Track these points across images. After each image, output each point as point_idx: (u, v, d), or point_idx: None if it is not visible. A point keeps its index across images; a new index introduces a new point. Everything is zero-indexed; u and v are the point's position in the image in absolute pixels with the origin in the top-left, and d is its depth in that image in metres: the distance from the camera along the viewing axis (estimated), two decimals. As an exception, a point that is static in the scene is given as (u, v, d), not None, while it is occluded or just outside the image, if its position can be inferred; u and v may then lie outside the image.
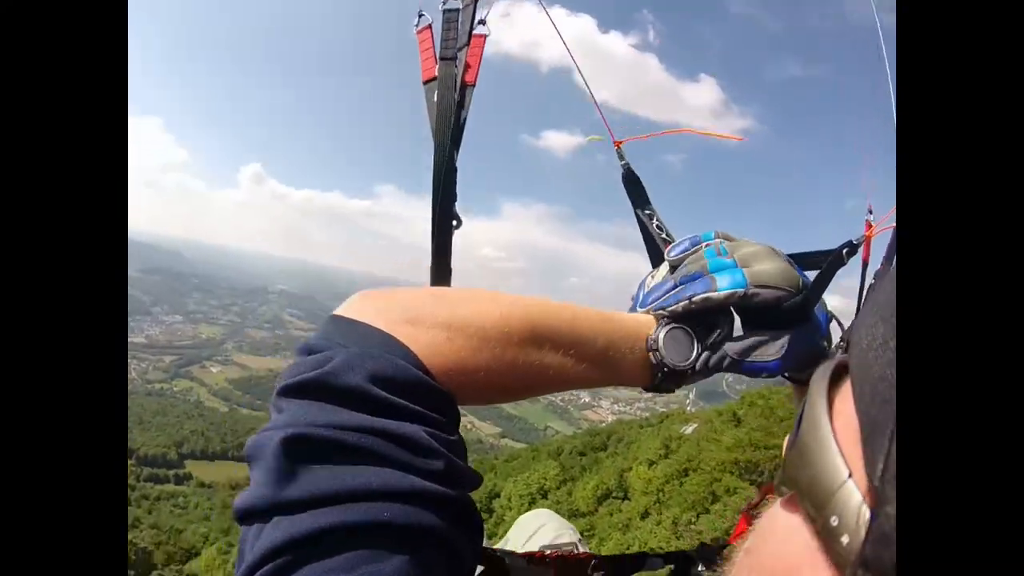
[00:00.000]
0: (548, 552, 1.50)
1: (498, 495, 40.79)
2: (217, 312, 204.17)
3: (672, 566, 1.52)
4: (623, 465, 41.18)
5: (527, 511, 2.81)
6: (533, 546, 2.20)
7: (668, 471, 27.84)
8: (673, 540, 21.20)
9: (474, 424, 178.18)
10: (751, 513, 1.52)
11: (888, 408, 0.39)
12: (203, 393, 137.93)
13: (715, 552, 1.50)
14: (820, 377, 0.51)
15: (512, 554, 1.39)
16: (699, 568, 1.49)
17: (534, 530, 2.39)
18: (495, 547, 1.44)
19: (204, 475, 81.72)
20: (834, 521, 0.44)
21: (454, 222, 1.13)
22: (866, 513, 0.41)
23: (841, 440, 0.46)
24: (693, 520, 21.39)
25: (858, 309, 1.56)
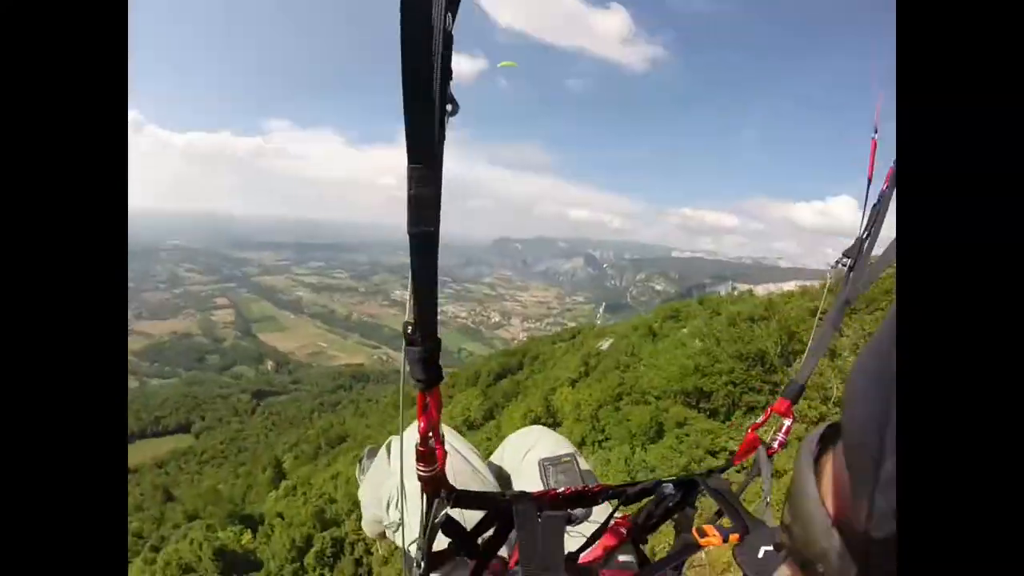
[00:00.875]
0: (563, 490, 1.50)
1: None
2: None
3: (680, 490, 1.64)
4: (545, 386, 41.06)
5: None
6: (532, 460, 2.22)
7: (599, 395, 28.80)
8: (625, 477, 20.61)
9: (389, 355, 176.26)
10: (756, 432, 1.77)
11: (871, 458, 0.40)
12: None
13: (718, 474, 1.68)
14: (808, 442, 0.54)
15: (522, 498, 1.41)
16: (701, 489, 1.65)
17: (529, 446, 2.38)
18: (507, 493, 1.46)
19: (129, 460, 76.10)
20: (820, 569, 0.47)
21: (448, 107, 0.90)
22: (849, 562, 0.44)
23: (826, 494, 0.49)
24: (642, 454, 21.79)
25: (862, 224, 1.72)
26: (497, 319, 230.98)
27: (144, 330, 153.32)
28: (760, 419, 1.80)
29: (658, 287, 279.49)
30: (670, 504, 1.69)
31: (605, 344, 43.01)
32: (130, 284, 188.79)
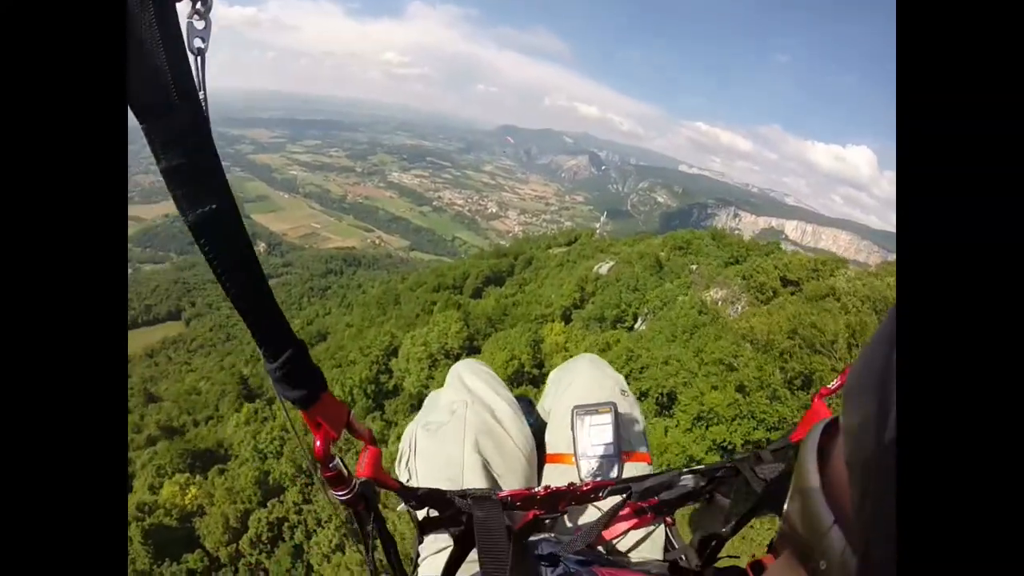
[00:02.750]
0: (539, 490, 1.40)
1: (396, 352, 36.67)
2: None
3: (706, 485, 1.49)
4: (534, 312, 36.60)
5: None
6: (567, 402, 1.89)
7: (592, 341, 25.13)
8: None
9: (383, 239, 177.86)
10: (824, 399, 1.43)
11: (870, 458, 0.41)
12: None
13: (770, 453, 1.46)
14: (812, 435, 0.54)
15: (483, 503, 1.25)
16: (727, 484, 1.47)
17: (570, 382, 2.05)
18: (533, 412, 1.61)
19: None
20: (822, 565, 0.47)
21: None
22: (850, 557, 0.43)
23: (829, 490, 0.48)
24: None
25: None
26: (494, 210, 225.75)
27: (136, 214, 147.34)
28: (835, 383, 1.38)
29: (660, 199, 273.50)
30: (695, 497, 1.50)
31: (604, 266, 38.21)
32: None
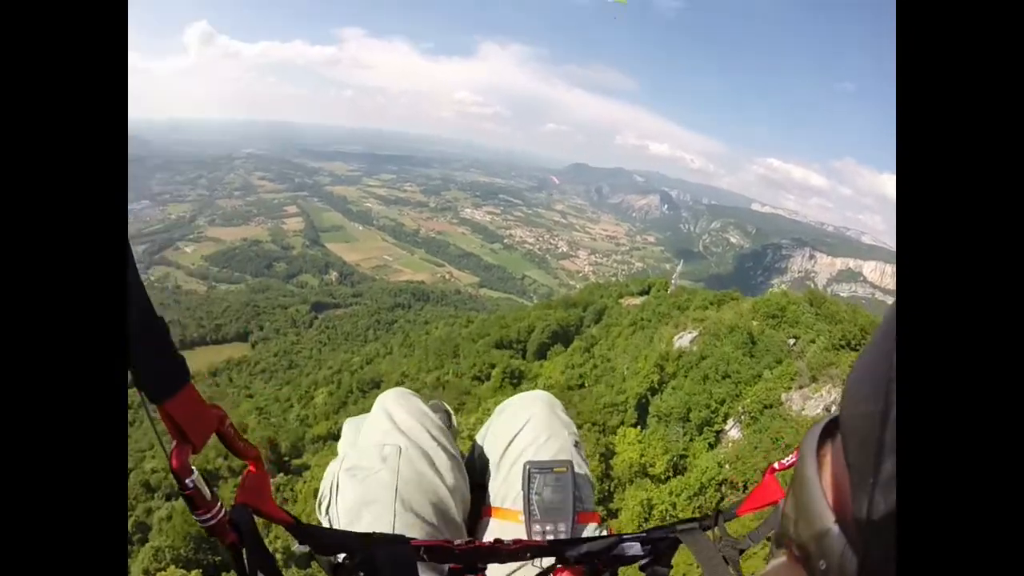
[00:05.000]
0: (458, 542, 1.30)
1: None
2: (184, 188, 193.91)
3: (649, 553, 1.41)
4: (603, 399, 30.16)
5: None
6: (515, 453, 1.79)
7: (675, 449, 20.08)
8: None
9: (452, 274, 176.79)
10: (776, 473, 1.43)
11: (871, 456, 0.40)
12: (180, 276, 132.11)
13: (716, 520, 1.45)
14: (811, 435, 0.53)
15: (390, 544, 1.18)
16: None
17: (517, 429, 1.86)
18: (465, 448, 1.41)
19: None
20: (822, 565, 0.46)
21: None
22: (851, 557, 0.43)
23: (828, 489, 0.48)
24: None
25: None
26: (564, 249, 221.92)
27: (216, 236, 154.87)
28: (788, 459, 1.37)
29: (732, 239, 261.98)
30: (639, 565, 1.43)
31: (686, 338, 32.62)
32: (205, 191, 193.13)
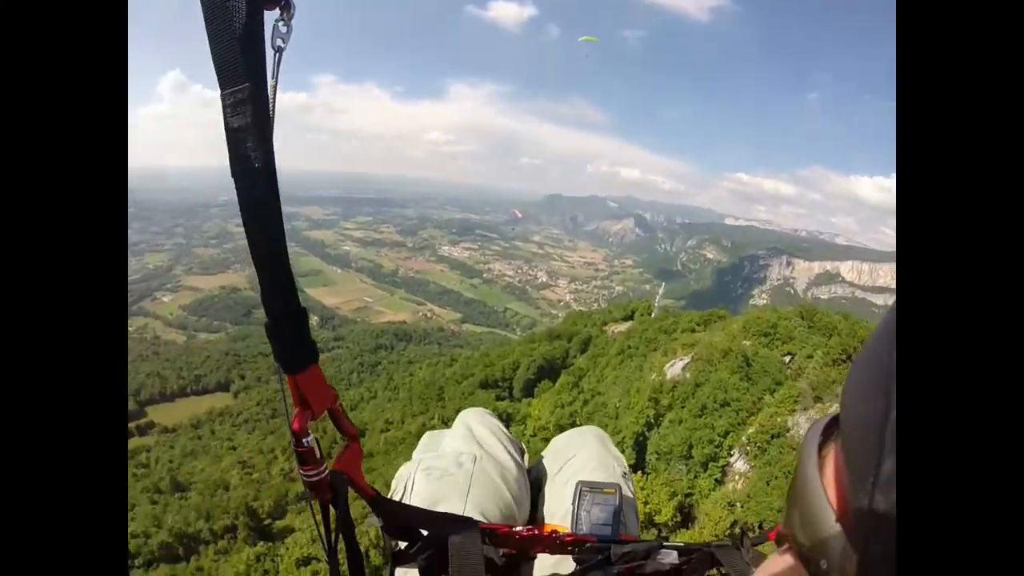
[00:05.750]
0: (520, 529, 1.43)
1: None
2: (160, 238, 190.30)
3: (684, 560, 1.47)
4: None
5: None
6: (569, 473, 1.92)
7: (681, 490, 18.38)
8: None
9: (434, 312, 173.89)
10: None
11: (871, 456, 0.40)
12: (158, 327, 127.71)
13: (749, 546, 1.47)
14: (812, 432, 0.53)
15: (464, 526, 1.26)
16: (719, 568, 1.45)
17: (574, 452, 2.04)
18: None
19: (166, 419, 75.79)
20: (824, 564, 0.46)
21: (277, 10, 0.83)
22: (851, 555, 0.42)
23: (829, 488, 0.47)
24: None
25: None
26: (544, 279, 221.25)
27: (194, 284, 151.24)
28: None
29: (709, 255, 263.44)
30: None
31: (678, 365, 30.67)
32: (181, 240, 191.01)
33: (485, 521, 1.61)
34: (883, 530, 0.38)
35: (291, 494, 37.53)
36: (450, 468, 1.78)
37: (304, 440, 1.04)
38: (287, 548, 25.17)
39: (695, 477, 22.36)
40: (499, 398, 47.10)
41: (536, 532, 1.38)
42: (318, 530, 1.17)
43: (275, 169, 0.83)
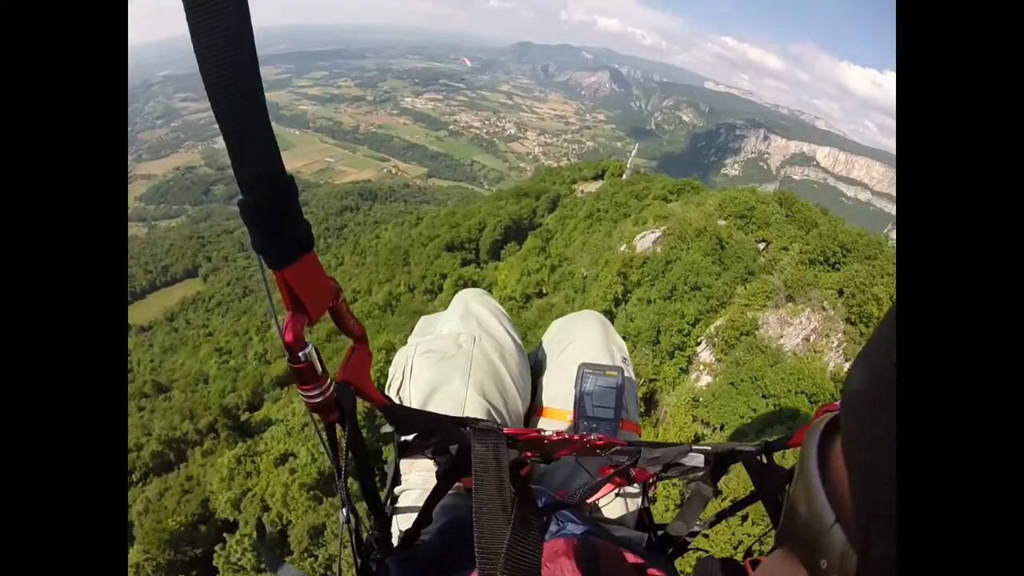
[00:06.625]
0: (549, 433, 1.35)
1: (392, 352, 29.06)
2: None
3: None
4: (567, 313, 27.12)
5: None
6: (572, 356, 1.85)
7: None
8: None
9: (399, 168, 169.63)
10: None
11: (871, 455, 0.40)
12: None
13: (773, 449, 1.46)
14: (813, 432, 0.53)
15: (487, 434, 1.06)
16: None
17: (574, 337, 1.97)
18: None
19: (141, 317, 74.97)
20: (823, 564, 0.46)
21: None
22: (851, 555, 0.43)
23: (830, 489, 0.48)
24: None
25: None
26: (512, 131, 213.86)
27: (146, 172, 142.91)
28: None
29: (685, 118, 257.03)
30: (693, 475, 1.50)
31: (649, 237, 29.03)
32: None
33: (487, 408, 1.63)
34: (883, 530, 0.39)
35: (266, 380, 37.38)
36: (449, 350, 1.74)
37: (301, 353, 0.85)
38: (266, 444, 25.20)
39: (660, 363, 22.01)
40: (464, 262, 45.99)
41: (565, 436, 1.32)
42: (325, 449, 1.01)
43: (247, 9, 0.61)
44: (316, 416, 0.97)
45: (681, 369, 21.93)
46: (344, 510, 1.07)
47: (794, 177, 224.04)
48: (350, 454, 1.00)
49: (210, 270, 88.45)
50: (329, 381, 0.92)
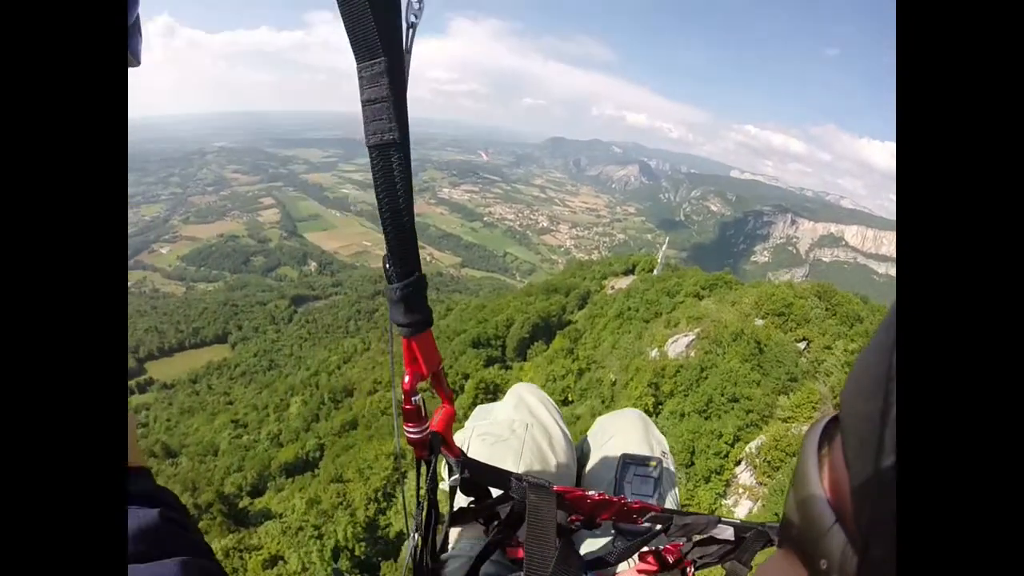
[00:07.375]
0: (593, 494, 1.41)
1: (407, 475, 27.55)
2: (156, 188, 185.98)
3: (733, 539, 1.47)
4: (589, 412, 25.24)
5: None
6: (615, 447, 1.96)
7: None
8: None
9: (433, 256, 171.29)
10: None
11: (871, 456, 0.40)
12: (157, 279, 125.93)
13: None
14: (812, 432, 0.53)
15: (540, 489, 1.28)
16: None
17: (618, 430, 2.08)
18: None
19: (165, 374, 75.45)
20: (823, 564, 0.46)
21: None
22: (851, 556, 0.43)
23: (828, 489, 0.48)
24: None
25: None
26: (545, 224, 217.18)
27: (191, 234, 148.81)
28: None
29: (713, 207, 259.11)
30: (724, 550, 1.50)
31: (682, 342, 27.42)
32: (178, 189, 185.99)
33: None
34: (883, 531, 0.38)
35: (274, 466, 36.05)
36: (503, 434, 1.88)
37: (413, 399, 1.10)
38: (259, 539, 23.95)
39: (695, 487, 19.84)
40: (489, 360, 44.62)
41: (606, 497, 1.38)
42: (417, 481, 1.23)
43: (409, 141, 0.87)
44: (408, 453, 1.20)
45: (718, 494, 19.67)
46: (415, 534, 1.29)
47: (824, 259, 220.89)
48: (428, 488, 1.23)
49: (239, 338, 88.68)
50: (427, 425, 1.14)
